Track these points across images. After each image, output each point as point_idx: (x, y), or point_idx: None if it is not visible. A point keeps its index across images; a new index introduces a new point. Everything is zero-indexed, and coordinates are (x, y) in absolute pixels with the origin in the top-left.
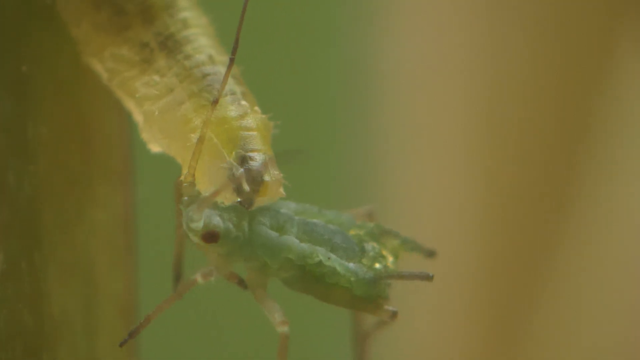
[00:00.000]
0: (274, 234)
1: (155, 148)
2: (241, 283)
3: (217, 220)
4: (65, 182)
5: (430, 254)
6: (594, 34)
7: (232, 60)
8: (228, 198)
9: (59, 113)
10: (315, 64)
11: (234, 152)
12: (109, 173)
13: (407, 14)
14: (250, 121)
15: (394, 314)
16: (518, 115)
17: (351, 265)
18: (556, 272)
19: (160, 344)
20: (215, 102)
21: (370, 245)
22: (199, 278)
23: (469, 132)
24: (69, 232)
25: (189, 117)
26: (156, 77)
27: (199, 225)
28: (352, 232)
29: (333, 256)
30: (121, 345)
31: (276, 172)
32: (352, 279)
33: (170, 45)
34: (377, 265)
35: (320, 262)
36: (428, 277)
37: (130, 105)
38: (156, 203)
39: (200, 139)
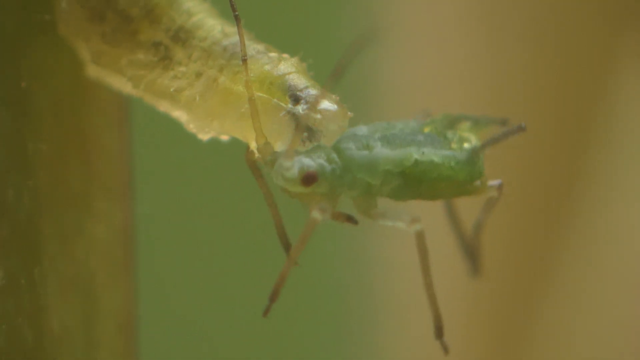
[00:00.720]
0: (364, 152)
1: (205, 136)
2: (350, 219)
3: (308, 161)
4: (65, 198)
5: (503, 121)
6: (593, 47)
7: (237, 18)
8: (304, 141)
9: (58, 129)
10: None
11: (287, 98)
12: (108, 188)
13: (408, 30)
14: (286, 66)
15: (500, 186)
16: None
17: (445, 152)
18: (557, 279)
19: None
20: (244, 60)
21: (449, 133)
22: (316, 215)
23: None
24: (68, 247)
25: (229, 88)
26: (181, 69)
27: (294, 172)
28: (426, 130)
29: (426, 150)
30: (264, 315)
31: (333, 97)
32: (453, 163)
33: (183, 35)
34: (466, 145)
35: (416, 160)
36: (522, 129)
37: (165, 105)
38: (156, 218)
39: (251, 101)
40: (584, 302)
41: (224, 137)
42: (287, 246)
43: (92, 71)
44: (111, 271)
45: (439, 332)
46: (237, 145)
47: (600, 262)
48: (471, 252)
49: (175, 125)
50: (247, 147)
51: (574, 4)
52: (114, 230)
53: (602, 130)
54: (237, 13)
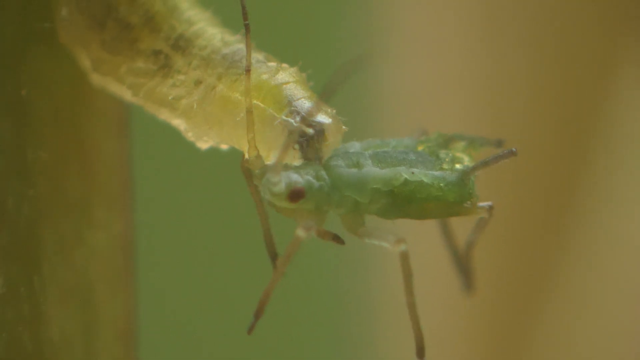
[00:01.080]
0: (353, 170)
1: (204, 145)
2: (337, 239)
3: (296, 177)
4: (65, 206)
5: (499, 143)
6: (592, 53)
7: (247, 27)
8: (295, 155)
9: (58, 137)
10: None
11: (282, 110)
12: (108, 197)
13: (406, 39)
14: (284, 75)
15: (490, 208)
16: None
17: (435, 172)
18: (557, 287)
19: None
20: (247, 70)
21: (442, 153)
22: (301, 233)
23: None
24: (68, 256)
25: (227, 96)
26: (181, 77)
27: (281, 187)
28: (420, 149)
29: (416, 170)
30: (249, 332)
31: (329, 110)
32: (442, 184)
33: (182, 44)
34: (458, 166)
35: (406, 180)
36: (513, 153)
37: (164, 113)
38: (155, 226)
39: (248, 110)
40: (583, 310)
41: (223, 146)
42: (273, 256)
43: (95, 79)
44: (111, 279)
45: (420, 352)
46: (236, 155)
47: (601, 270)
48: (464, 269)
49: (175, 134)
50: (243, 155)
51: (572, 11)
52: (113, 238)
53: (602, 136)
54: (247, 22)
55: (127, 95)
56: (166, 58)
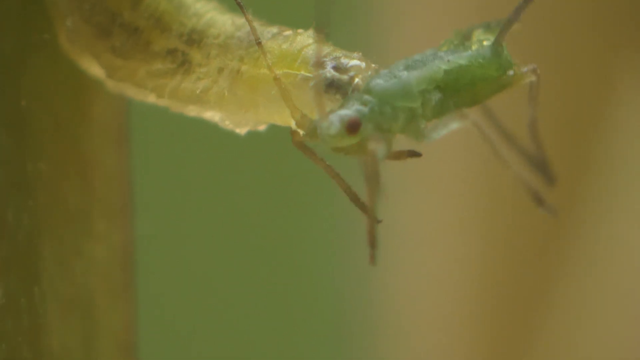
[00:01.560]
0: (393, 80)
1: (243, 130)
2: (412, 153)
3: (345, 111)
4: (64, 218)
5: (517, 12)
6: (593, 66)
7: (240, 5)
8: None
9: (58, 148)
10: None
11: (311, 69)
12: (108, 208)
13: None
14: (303, 39)
15: (534, 69)
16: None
17: (468, 52)
18: (555, 306)
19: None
20: (258, 43)
21: (466, 43)
22: (374, 146)
23: (466, 173)
24: (67, 267)
25: (254, 75)
26: (203, 69)
27: (336, 125)
28: (444, 49)
29: (450, 57)
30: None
31: (355, 54)
32: (480, 60)
33: (196, 37)
34: (486, 43)
35: (445, 70)
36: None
37: (194, 109)
38: (155, 238)
39: (276, 80)
40: (586, 313)
41: (260, 128)
42: (364, 208)
43: (111, 86)
44: (111, 291)
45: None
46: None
47: (601, 281)
48: (537, 159)
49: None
50: (291, 130)
51: (571, 20)
52: (113, 250)
53: (602, 145)
54: (239, 1)
55: (150, 98)
56: (183, 54)
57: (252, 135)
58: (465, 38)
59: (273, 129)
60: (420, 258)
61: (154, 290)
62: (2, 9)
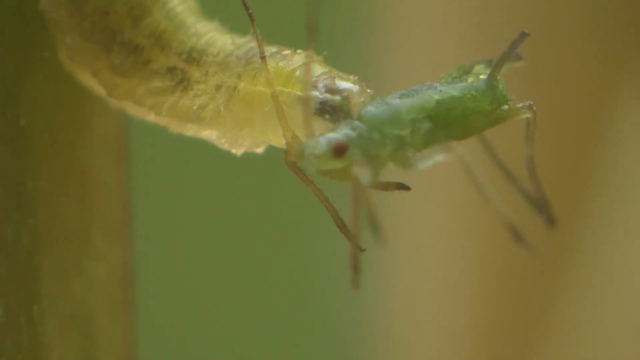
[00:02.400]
0: (384, 107)
1: (239, 150)
2: (401, 185)
3: (333, 134)
4: (64, 235)
5: (517, 57)
6: (593, 84)
7: (251, 16)
8: (328, 126)
9: (57, 166)
10: None
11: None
12: (107, 226)
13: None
14: (300, 58)
15: (530, 106)
16: (516, 170)
17: (462, 84)
18: (556, 318)
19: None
20: (262, 57)
21: (464, 77)
22: (358, 171)
23: (467, 184)
24: (67, 285)
25: (250, 92)
26: (201, 86)
27: (322, 146)
28: (442, 82)
29: (443, 87)
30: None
31: (351, 77)
32: (473, 92)
33: (196, 55)
34: (482, 76)
35: (437, 100)
36: (525, 35)
37: (192, 128)
38: (155, 256)
39: (274, 96)
40: (584, 333)
41: (258, 150)
42: (349, 235)
43: (113, 104)
44: (110, 309)
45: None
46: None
47: (602, 294)
48: (537, 200)
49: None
50: (285, 150)
51: (570, 40)
52: (113, 267)
53: (602, 161)
54: (250, 12)
55: (149, 116)
56: (182, 72)
57: (251, 152)
58: (465, 72)
59: (271, 147)
60: (420, 271)
61: (154, 307)
62: (2, 26)
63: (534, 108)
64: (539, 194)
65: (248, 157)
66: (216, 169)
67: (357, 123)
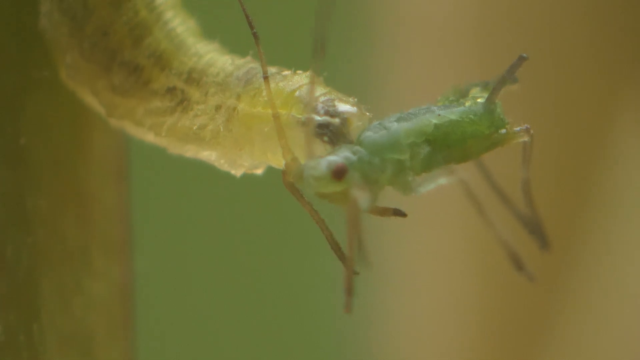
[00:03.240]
0: (383, 131)
1: (238, 171)
2: (398, 212)
3: (333, 157)
4: (64, 254)
5: (513, 80)
6: (592, 104)
7: (255, 35)
8: (327, 149)
9: (57, 185)
10: None
11: (303, 109)
12: (107, 245)
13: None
14: (300, 79)
15: (527, 129)
16: (514, 191)
17: (460, 108)
18: (556, 345)
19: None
20: (265, 77)
21: (462, 100)
22: (356, 194)
23: (465, 207)
24: (67, 304)
25: (249, 112)
26: (200, 106)
27: (322, 169)
28: (439, 104)
29: (441, 112)
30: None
31: (350, 99)
32: (471, 116)
33: (196, 76)
34: (480, 100)
35: (436, 124)
36: (524, 59)
37: (191, 149)
38: (154, 275)
39: (275, 117)
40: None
41: (258, 171)
42: (343, 258)
43: (113, 123)
44: (110, 328)
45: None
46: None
47: (600, 319)
48: (531, 223)
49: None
50: (283, 170)
51: (571, 59)
52: (112, 286)
53: (600, 187)
54: (255, 31)
55: (149, 137)
56: (182, 93)
57: (251, 173)
58: (461, 94)
59: (270, 169)
60: (418, 293)
61: (153, 326)
62: (1, 45)
63: (531, 132)
64: (534, 218)
65: (247, 177)
66: (215, 189)
67: (357, 148)
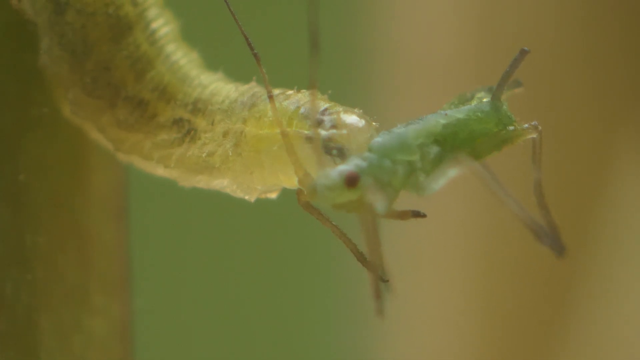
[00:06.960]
0: (391, 134)
1: (253, 196)
2: (417, 213)
3: (344, 166)
4: (63, 292)
5: (517, 84)
6: (590, 144)
7: (256, 56)
8: (337, 162)
9: (56, 222)
10: None
11: (309, 126)
12: (106, 282)
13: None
14: (303, 97)
15: (535, 126)
16: (514, 230)
17: (467, 107)
18: (558, 345)
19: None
20: (270, 96)
21: (466, 103)
22: (373, 199)
23: (470, 209)
24: (66, 342)
25: (257, 135)
26: (207, 135)
27: (335, 178)
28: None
29: (449, 112)
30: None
31: (356, 110)
32: (478, 114)
33: (201, 106)
34: (485, 100)
35: (443, 124)
36: (525, 52)
37: (202, 179)
38: (154, 313)
39: (284, 135)
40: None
41: (272, 195)
42: (371, 267)
43: (121, 158)
44: None
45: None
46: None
47: (603, 333)
48: (545, 228)
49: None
50: (297, 190)
51: (571, 101)
52: (111, 324)
53: (600, 225)
54: (255, 52)
55: (158, 170)
56: (189, 123)
57: (251, 208)
58: (467, 100)
59: (270, 202)
60: (418, 293)
61: None
62: (1, 82)
63: (540, 128)
64: (548, 221)
65: (246, 215)
66: (216, 225)
67: (366, 154)
